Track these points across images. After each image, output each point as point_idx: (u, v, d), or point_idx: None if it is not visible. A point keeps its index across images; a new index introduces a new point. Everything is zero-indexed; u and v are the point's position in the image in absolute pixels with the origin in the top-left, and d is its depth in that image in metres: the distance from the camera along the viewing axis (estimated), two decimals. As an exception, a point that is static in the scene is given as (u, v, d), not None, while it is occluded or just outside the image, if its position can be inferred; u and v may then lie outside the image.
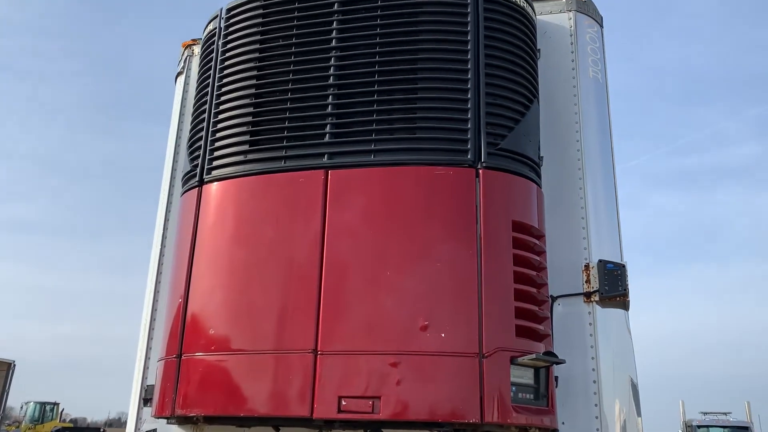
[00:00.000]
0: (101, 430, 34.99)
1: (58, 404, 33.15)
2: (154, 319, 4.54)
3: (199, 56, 4.91)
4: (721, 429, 28.92)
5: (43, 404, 32.37)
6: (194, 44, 5.21)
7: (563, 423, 3.70)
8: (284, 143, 3.95)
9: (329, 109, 3.93)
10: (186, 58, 5.23)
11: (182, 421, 3.95)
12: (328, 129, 3.89)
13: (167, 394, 3.78)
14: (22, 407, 34.99)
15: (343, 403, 3.37)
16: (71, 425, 35.12)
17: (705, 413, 30.57)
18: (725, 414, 30.24)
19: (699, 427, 29.24)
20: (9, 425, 32.38)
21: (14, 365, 24.41)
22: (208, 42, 4.57)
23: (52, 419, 32.25)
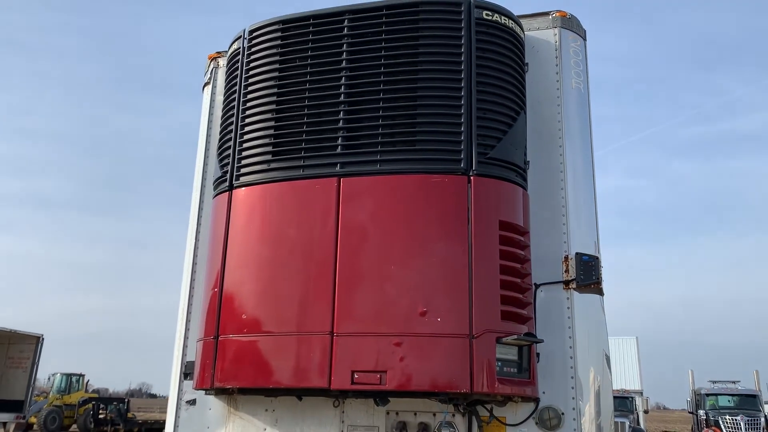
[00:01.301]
0: (125, 400, 36.14)
1: (83, 375, 34.27)
2: (191, 305, 5.20)
3: (224, 68, 5.50)
4: (730, 397, 29.49)
5: (69, 375, 33.46)
6: (219, 57, 5.78)
7: (544, 392, 4.33)
8: (302, 154, 4.57)
9: (341, 124, 4.52)
10: (212, 70, 5.81)
11: (219, 392, 4.64)
12: (340, 142, 4.50)
13: (206, 370, 4.45)
14: (49, 378, 36.20)
15: (356, 376, 4.02)
16: (96, 395, 36.27)
17: (714, 382, 31.14)
18: (734, 382, 30.78)
19: (708, 395, 29.81)
20: (37, 396, 33.49)
21: (43, 339, 25.36)
22: (233, 60, 5.15)
23: (78, 390, 33.39)
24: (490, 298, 4.08)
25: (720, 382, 30.96)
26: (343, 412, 4.55)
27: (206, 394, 4.81)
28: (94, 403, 32.19)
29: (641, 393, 34.50)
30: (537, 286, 4.48)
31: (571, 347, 4.42)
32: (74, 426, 31.32)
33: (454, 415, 4.30)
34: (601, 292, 4.61)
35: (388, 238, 4.23)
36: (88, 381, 35.17)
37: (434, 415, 4.38)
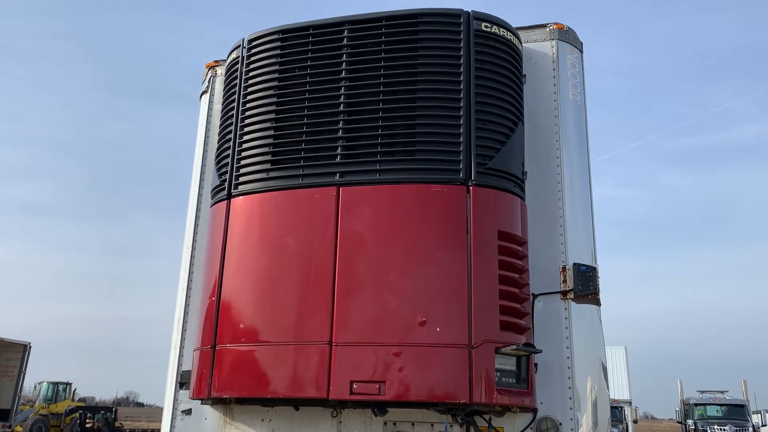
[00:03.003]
0: (113, 409, 35.82)
1: (70, 384, 33.90)
2: (187, 313, 5.17)
3: (222, 76, 5.50)
4: (718, 407, 29.70)
5: (56, 384, 33.07)
6: (217, 65, 5.78)
7: (542, 403, 4.33)
8: (301, 163, 4.57)
9: (340, 134, 4.53)
10: (210, 78, 5.81)
11: (216, 402, 4.61)
12: (339, 151, 4.50)
13: (203, 379, 4.43)
14: (35, 387, 35.83)
15: (355, 386, 4.01)
16: (83, 404, 35.91)
17: (702, 392, 31.35)
18: (722, 392, 31.00)
19: (696, 405, 30.02)
20: (23, 405, 33.12)
21: (30, 347, 25.10)
22: (232, 69, 5.15)
23: (65, 399, 33.04)
24: (489, 308, 4.09)
25: (708, 392, 31.16)
26: (340, 422, 4.53)
27: (202, 403, 4.78)
28: (81, 412, 31.93)
29: (630, 403, 34.59)
30: (535, 296, 4.50)
31: (568, 357, 4.43)
32: (61, 435, 30.97)
33: (452, 426, 4.29)
34: (598, 303, 4.63)
35: (387, 248, 4.24)
36: (75, 390, 34.79)
37: (432, 425, 4.37)
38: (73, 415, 31.57)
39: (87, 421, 31.66)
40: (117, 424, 33.31)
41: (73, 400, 34.02)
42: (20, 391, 25.28)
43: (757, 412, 31.99)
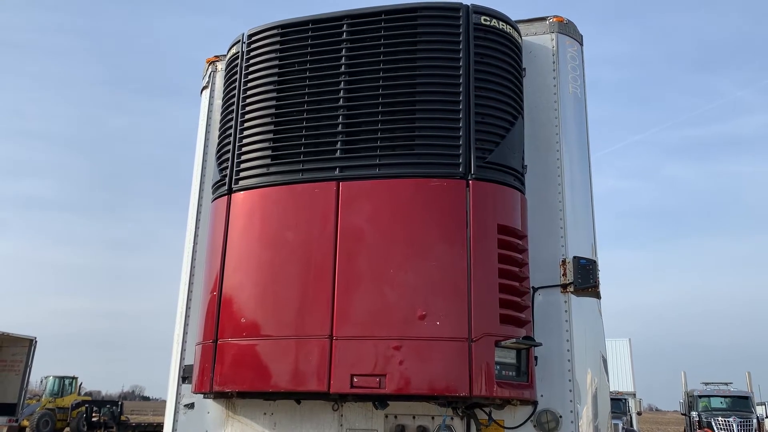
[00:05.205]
0: (119, 403, 35.96)
1: (76, 378, 34.06)
2: (189, 308, 5.20)
3: (222, 72, 5.51)
4: (722, 398, 29.62)
5: (62, 378, 33.24)
6: (217, 60, 5.79)
7: (542, 395, 4.35)
8: (301, 158, 4.58)
9: (339, 128, 4.54)
10: (210, 74, 5.82)
11: (218, 396, 4.64)
12: (339, 146, 4.51)
13: (205, 374, 4.45)
14: (41, 381, 35.95)
15: (355, 380, 4.03)
16: (89, 398, 36.04)
17: (706, 383, 31.27)
18: (726, 384, 30.92)
19: (700, 397, 29.93)
20: (29, 399, 33.27)
21: (36, 342, 25.23)
22: (232, 64, 5.16)
23: (70, 393, 33.19)
24: (489, 301, 4.11)
25: (712, 383, 31.09)
26: (341, 415, 4.56)
27: (205, 397, 4.81)
28: (87, 406, 32.00)
29: (634, 395, 34.64)
30: (535, 289, 4.51)
31: (568, 350, 4.44)
32: (67, 429, 31.13)
33: (452, 419, 4.32)
34: (598, 296, 4.63)
35: (387, 242, 4.25)
36: (81, 384, 34.95)
37: (432, 418, 4.39)
38: (80, 409, 31.70)
39: (93, 415, 31.73)
40: (123, 417, 33.37)
41: (79, 394, 34.18)
42: (26, 386, 25.41)
43: (761, 404, 31.98)
